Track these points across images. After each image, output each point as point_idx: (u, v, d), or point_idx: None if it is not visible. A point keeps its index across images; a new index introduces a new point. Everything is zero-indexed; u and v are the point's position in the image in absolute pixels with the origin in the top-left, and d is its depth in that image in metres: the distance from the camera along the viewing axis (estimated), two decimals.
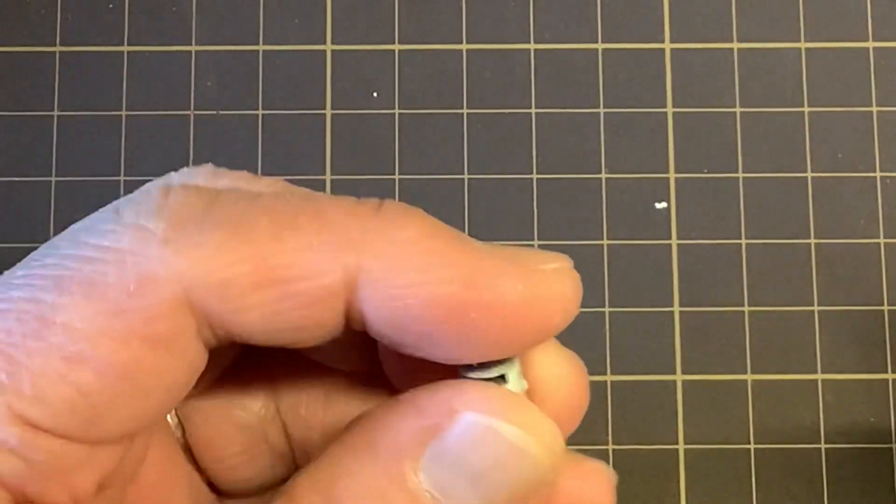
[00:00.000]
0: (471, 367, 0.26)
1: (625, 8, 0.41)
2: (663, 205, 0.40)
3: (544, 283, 0.25)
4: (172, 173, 0.27)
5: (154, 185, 0.27)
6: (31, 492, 0.22)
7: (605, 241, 0.39)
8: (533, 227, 0.39)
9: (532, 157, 0.40)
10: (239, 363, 0.28)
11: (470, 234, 0.31)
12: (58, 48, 0.40)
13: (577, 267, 0.26)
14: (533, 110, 0.40)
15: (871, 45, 0.41)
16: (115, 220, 0.25)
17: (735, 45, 0.41)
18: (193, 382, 0.25)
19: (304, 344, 0.26)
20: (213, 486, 0.30)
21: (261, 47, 0.41)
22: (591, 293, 0.39)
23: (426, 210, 0.26)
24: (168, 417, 0.29)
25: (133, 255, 0.24)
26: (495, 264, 0.25)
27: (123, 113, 0.40)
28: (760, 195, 0.40)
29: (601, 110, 0.40)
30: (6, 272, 0.25)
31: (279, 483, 0.31)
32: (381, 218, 0.25)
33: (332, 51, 0.41)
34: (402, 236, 0.25)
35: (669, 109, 0.40)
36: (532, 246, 0.39)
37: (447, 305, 0.25)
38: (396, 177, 0.40)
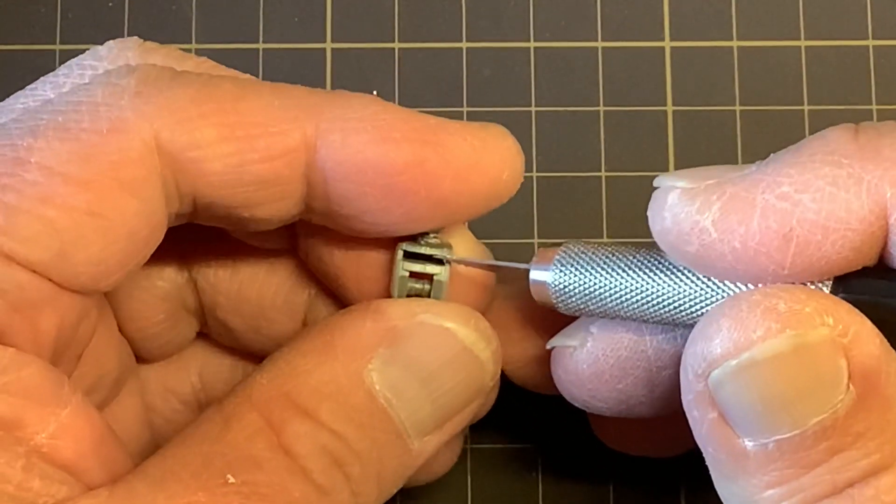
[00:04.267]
0: (410, 246, 0.28)
1: (625, 6, 0.41)
2: None
3: (492, 138, 0.27)
4: (98, 47, 0.28)
5: (91, 57, 0.28)
6: None
7: (606, 240, 0.39)
8: (533, 226, 0.39)
9: (532, 156, 0.40)
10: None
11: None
12: (58, 46, 0.40)
13: None
14: (533, 108, 0.40)
15: (870, 43, 0.41)
16: (86, 84, 0.26)
17: (735, 44, 0.41)
18: (155, 242, 0.26)
19: (262, 217, 0.27)
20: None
21: (261, 45, 0.41)
22: None
23: None
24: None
25: (106, 105, 0.25)
26: (447, 125, 0.27)
27: None
28: None
29: (601, 108, 0.40)
30: None
31: (189, 344, 0.32)
32: (337, 93, 0.27)
33: (332, 49, 0.41)
34: (357, 103, 0.27)
35: (669, 107, 0.40)
36: (532, 246, 0.39)
37: (404, 159, 0.26)
38: None
